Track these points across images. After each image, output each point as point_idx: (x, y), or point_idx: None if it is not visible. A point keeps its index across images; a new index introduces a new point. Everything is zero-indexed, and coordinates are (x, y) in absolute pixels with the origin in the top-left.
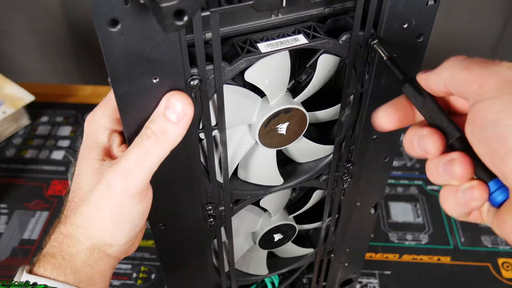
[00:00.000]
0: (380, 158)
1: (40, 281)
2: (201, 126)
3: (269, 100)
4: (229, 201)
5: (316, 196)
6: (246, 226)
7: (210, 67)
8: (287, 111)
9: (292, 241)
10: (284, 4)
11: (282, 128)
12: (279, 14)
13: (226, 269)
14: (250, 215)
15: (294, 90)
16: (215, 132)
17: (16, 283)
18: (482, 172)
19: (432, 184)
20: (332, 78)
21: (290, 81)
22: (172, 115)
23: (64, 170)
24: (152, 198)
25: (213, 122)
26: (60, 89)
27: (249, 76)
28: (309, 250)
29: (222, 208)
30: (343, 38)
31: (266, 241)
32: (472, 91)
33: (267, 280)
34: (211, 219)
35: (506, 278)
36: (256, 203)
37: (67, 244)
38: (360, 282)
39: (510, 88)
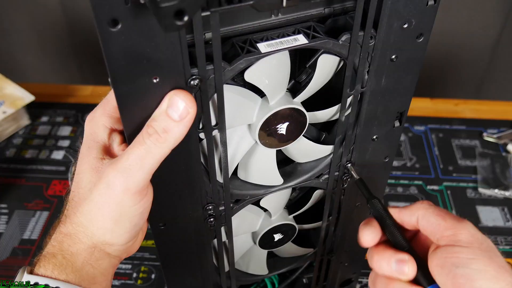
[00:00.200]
0: (380, 158)
1: (41, 281)
2: (201, 126)
3: (269, 100)
4: (229, 201)
5: (316, 196)
6: (246, 226)
7: (210, 67)
8: (287, 111)
9: (292, 241)
10: (284, 4)
11: (282, 128)
12: (279, 14)
13: (226, 269)
14: (250, 215)
15: (294, 90)
16: (215, 132)
17: (17, 283)
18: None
19: (432, 184)
20: (332, 78)
21: (290, 81)
22: (175, 114)
23: (64, 170)
24: (152, 197)
25: (213, 122)
26: (60, 89)
27: (249, 76)
28: (309, 250)
29: (222, 208)
30: (343, 38)
31: (266, 241)
32: (446, 235)
33: (267, 280)
34: (211, 219)
35: None
36: (256, 203)
37: (68, 243)
38: (360, 282)
39: (477, 243)
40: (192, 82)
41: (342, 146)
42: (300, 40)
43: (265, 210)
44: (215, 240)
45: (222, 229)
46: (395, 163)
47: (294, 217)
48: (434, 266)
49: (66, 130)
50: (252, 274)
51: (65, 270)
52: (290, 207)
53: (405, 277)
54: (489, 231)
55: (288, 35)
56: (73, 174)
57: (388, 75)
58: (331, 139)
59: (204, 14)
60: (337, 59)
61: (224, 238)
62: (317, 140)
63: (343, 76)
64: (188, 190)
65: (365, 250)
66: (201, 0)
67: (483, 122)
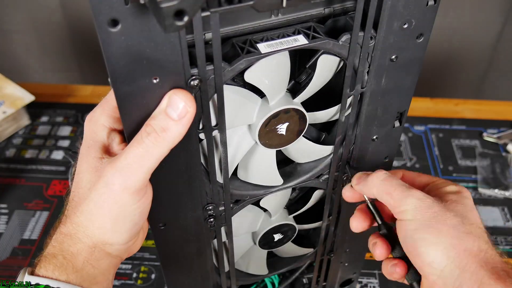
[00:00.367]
0: (380, 158)
1: (42, 281)
2: (201, 127)
3: (269, 101)
4: (229, 201)
5: (316, 196)
6: (246, 226)
7: (210, 67)
8: (286, 111)
9: (292, 241)
10: (284, 4)
11: (282, 129)
12: (279, 14)
13: (226, 269)
14: (250, 215)
15: (294, 90)
16: (215, 133)
17: (17, 283)
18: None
19: None
20: (332, 78)
21: (290, 81)
22: (174, 113)
23: (64, 170)
24: (152, 196)
25: (213, 123)
26: (60, 89)
27: (249, 76)
28: (309, 250)
29: (222, 208)
30: (343, 38)
31: (266, 241)
32: (396, 212)
33: (267, 280)
34: (211, 219)
35: None
36: (256, 203)
37: (68, 243)
38: (360, 282)
39: (420, 214)
40: (192, 83)
41: (342, 146)
42: (300, 40)
43: (265, 210)
44: (215, 240)
45: (222, 229)
46: (395, 163)
47: (294, 217)
48: (400, 241)
49: (66, 130)
50: (252, 274)
51: (65, 271)
52: (290, 207)
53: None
54: (489, 231)
55: (288, 36)
56: (73, 174)
57: (388, 75)
58: (331, 139)
59: (204, 14)
60: (337, 59)
61: (224, 238)
62: (317, 140)
63: (343, 77)
64: (188, 191)
65: (365, 250)
66: (201, 0)
67: (483, 122)
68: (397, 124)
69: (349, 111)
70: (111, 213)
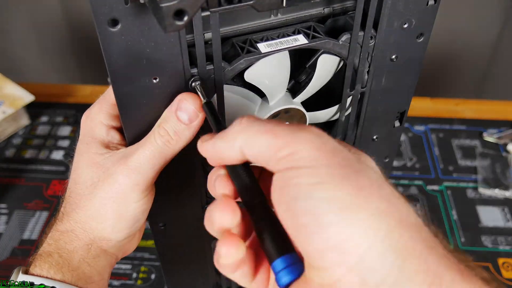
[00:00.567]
0: (380, 158)
1: (37, 281)
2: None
3: (269, 101)
4: None
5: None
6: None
7: (210, 67)
8: (286, 111)
9: None
10: (284, 4)
11: None
12: (279, 14)
13: None
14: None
15: (294, 90)
16: None
17: (16, 283)
18: (271, 247)
19: (432, 184)
20: (332, 78)
21: (290, 81)
22: (185, 117)
23: (64, 170)
24: (154, 195)
25: None
26: (60, 89)
27: (249, 76)
28: None
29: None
30: (343, 38)
31: None
32: (280, 156)
33: None
34: None
35: (506, 278)
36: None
37: (64, 240)
38: None
39: (326, 159)
40: (192, 83)
41: None
42: (300, 40)
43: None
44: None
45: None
46: (395, 163)
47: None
48: (275, 204)
49: (66, 130)
50: None
51: (61, 270)
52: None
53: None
54: (489, 231)
55: (288, 35)
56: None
57: (388, 75)
58: None
59: (204, 14)
60: (337, 59)
61: None
62: None
63: (343, 76)
64: (188, 190)
65: None
66: (201, 0)
67: (483, 122)
68: (397, 124)
69: (349, 111)
70: (115, 209)
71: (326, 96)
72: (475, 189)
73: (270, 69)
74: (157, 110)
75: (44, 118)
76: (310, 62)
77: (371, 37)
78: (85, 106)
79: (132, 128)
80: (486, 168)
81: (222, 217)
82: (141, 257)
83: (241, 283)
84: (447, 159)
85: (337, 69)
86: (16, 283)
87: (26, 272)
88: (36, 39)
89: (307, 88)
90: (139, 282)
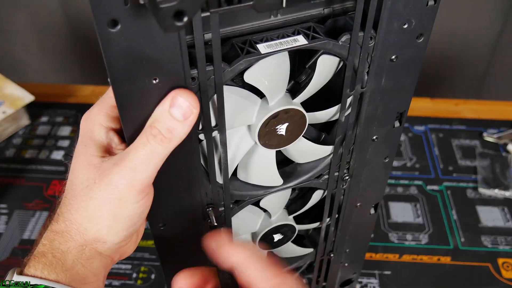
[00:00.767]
0: (380, 158)
1: (32, 281)
2: (200, 127)
3: (268, 101)
4: (229, 202)
5: (316, 196)
6: (246, 227)
7: (210, 67)
8: (286, 111)
9: (292, 241)
10: (284, 5)
11: (282, 129)
12: (279, 14)
13: None
14: (250, 215)
15: (294, 90)
16: (215, 133)
17: (12, 281)
18: None
19: (432, 184)
20: (331, 78)
21: (289, 81)
22: (179, 113)
23: (64, 170)
24: (152, 198)
25: (213, 123)
26: (60, 89)
27: (248, 77)
28: (309, 250)
29: (222, 208)
30: (343, 38)
31: (266, 241)
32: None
33: None
34: None
35: (506, 278)
36: (256, 204)
37: (58, 241)
38: (360, 282)
39: None
40: (192, 83)
41: (342, 147)
42: (300, 40)
43: (264, 210)
44: None
45: (222, 230)
46: (395, 163)
47: (294, 217)
48: None
49: (66, 130)
50: None
51: (55, 270)
52: (290, 207)
53: None
54: (489, 231)
55: (288, 36)
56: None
57: (388, 75)
58: (331, 139)
59: (203, 14)
60: (336, 59)
61: None
62: (316, 141)
63: (343, 77)
64: (188, 191)
65: (365, 250)
66: (200, 0)
67: (483, 122)
68: (397, 124)
69: (349, 111)
70: (111, 211)
71: (326, 97)
72: (475, 189)
73: (269, 69)
74: None
75: (44, 118)
76: (310, 63)
77: (371, 38)
78: (85, 106)
79: (132, 129)
80: (486, 168)
81: None
82: (141, 257)
83: None
84: (447, 159)
85: (337, 69)
86: (12, 282)
87: (21, 273)
88: (37, 39)
89: (307, 88)
90: (139, 282)
